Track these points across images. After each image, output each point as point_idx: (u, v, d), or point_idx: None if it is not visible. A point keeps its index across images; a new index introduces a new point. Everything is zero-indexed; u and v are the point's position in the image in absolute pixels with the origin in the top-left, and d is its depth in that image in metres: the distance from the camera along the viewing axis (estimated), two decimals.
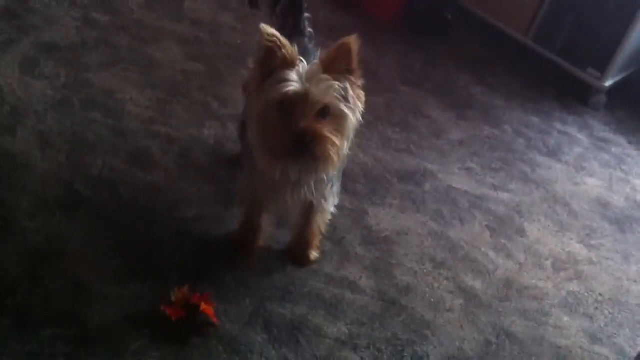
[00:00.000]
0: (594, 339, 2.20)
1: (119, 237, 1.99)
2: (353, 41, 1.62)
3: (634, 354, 2.16)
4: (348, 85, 1.64)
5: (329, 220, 2.09)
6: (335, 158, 1.65)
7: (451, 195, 2.62)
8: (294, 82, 1.58)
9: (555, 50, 3.57)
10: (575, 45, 3.52)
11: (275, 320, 1.91)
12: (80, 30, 2.76)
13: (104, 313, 1.77)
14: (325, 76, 1.61)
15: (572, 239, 2.61)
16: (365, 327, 1.98)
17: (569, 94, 3.60)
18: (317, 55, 1.97)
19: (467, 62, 3.61)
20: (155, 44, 2.85)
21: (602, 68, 3.45)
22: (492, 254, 2.40)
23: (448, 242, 2.39)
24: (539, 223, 2.63)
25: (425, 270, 2.24)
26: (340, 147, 1.66)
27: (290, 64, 1.61)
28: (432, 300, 2.14)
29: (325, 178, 1.83)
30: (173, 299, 1.83)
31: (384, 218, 2.39)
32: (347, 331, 1.94)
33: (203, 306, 1.82)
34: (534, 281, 2.35)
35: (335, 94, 1.61)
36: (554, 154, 3.11)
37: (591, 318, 2.27)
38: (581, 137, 3.31)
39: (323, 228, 2.09)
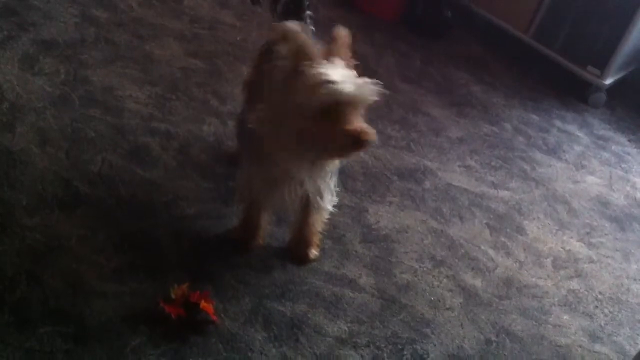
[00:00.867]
0: (594, 337, 2.20)
1: (118, 234, 1.98)
2: (346, 32, 1.66)
3: (633, 353, 2.16)
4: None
5: (328, 218, 2.09)
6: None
7: (451, 193, 2.62)
8: (344, 83, 1.58)
9: (556, 48, 3.57)
10: (575, 43, 3.52)
11: (275, 318, 1.90)
12: (80, 27, 2.75)
13: (102, 310, 1.77)
14: (363, 78, 1.62)
15: (572, 237, 2.60)
16: (365, 325, 1.97)
17: (568, 91, 3.60)
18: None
19: (466, 60, 3.61)
20: (155, 40, 2.84)
21: (602, 66, 3.45)
22: (491, 252, 2.40)
23: (448, 240, 2.39)
24: (539, 221, 2.63)
25: (425, 269, 2.24)
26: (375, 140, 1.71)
27: (315, 61, 1.60)
28: (432, 298, 2.13)
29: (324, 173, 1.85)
30: (172, 296, 1.82)
31: (383, 216, 2.39)
32: (347, 329, 1.94)
33: (203, 304, 1.82)
34: (533, 279, 2.34)
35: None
36: (553, 151, 3.11)
37: (591, 316, 2.27)
38: (581, 135, 3.31)
39: (321, 226, 2.09)
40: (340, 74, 1.60)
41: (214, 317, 1.83)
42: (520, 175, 2.86)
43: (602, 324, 2.26)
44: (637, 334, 2.26)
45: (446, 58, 3.57)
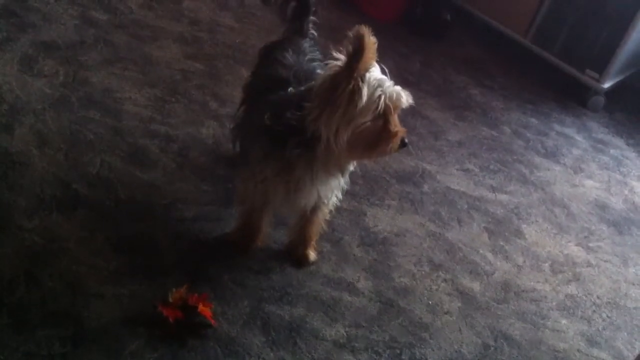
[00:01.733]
0: (592, 342, 2.20)
1: (116, 236, 1.98)
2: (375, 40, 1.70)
3: (631, 357, 2.16)
4: None
5: (326, 220, 2.09)
6: None
7: (449, 196, 2.62)
8: (396, 88, 1.72)
9: (554, 52, 3.57)
10: (574, 47, 3.52)
11: (273, 321, 1.90)
12: (79, 29, 2.75)
13: (101, 313, 1.77)
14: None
15: (570, 241, 2.61)
16: (363, 329, 1.97)
17: (567, 95, 3.61)
18: (317, 56, 2.00)
19: (465, 64, 3.61)
20: (154, 43, 2.84)
21: (601, 70, 3.45)
22: (490, 256, 2.40)
23: (446, 243, 2.39)
24: (537, 225, 2.63)
25: (423, 272, 2.24)
26: None
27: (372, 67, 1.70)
28: (430, 302, 2.14)
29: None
30: (171, 299, 1.82)
31: (382, 219, 2.39)
32: (345, 333, 1.94)
33: (201, 307, 1.82)
34: (532, 283, 2.35)
35: None
36: (552, 155, 3.11)
37: (589, 321, 2.28)
38: (579, 138, 3.31)
39: (322, 226, 2.09)
40: (389, 80, 1.72)
41: (212, 321, 1.83)
42: (518, 178, 2.86)
43: (600, 329, 2.26)
44: (635, 339, 2.26)
45: (445, 61, 3.57)
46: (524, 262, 2.43)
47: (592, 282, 2.44)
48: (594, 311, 2.32)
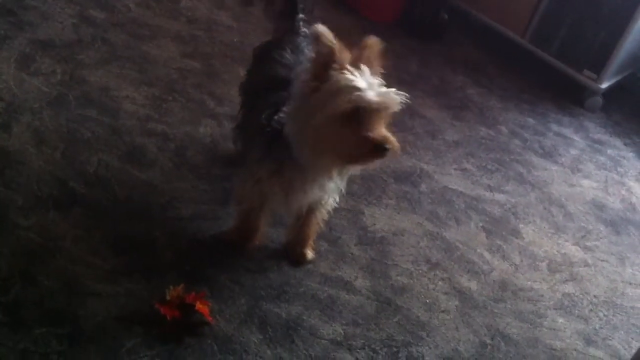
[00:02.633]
0: (589, 341, 2.20)
1: (113, 235, 1.98)
2: (378, 41, 1.66)
3: (628, 357, 2.16)
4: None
5: (324, 220, 2.09)
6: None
7: (447, 196, 2.62)
8: (368, 90, 1.60)
9: (552, 52, 3.58)
10: (571, 47, 3.53)
11: (270, 319, 1.90)
12: (77, 28, 2.75)
13: (97, 312, 1.76)
14: (389, 88, 1.64)
15: (567, 240, 2.61)
16: (360, 327, 1.97)
17: (565, 95, 3.61)
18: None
19: (463, 64, 3.62)
20: (152, 41, 2.84)
21: (598, 70, 3.46)
22: (487, 255, 2.40)
23: (443, 242, 2.39)
24: (535, 224, 2.64)
25: (420, 271, 2.24)
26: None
27: (344, 67, 1.61)
28: (427, 301, 2.14)
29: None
30: (168, 297, 1.82)
31: (379, 218, 2.39)
32: (342, 332, 1.94)
33: (198, 305, 1.82)
34: (529, 283, 2.35)
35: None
36: (549, 155, 3.11)
37: (586, 320, 2.28)
38: (577, 138, 3.31)
39: (320, 226, 2.09)
40: (364, 81, 1.61)
41: (210, 319, 1.83)
42: (516, 178, 2.87)
43: (597, 328, 2.26)
44: (632, 338, 2.27)
45: (443, 61, 3.57)
46: (521, 261, 2.43)
47: (589, 281, 2.44)
48: (591, 310, 2.32)
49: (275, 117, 1.76)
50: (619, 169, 3.18)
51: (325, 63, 1.61)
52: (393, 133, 1.66)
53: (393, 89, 1.65)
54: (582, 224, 2.73)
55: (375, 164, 1.72)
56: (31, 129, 2.22)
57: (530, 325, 2.18)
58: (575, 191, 2.91)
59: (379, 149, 1.62)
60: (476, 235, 2.48)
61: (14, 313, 1.70)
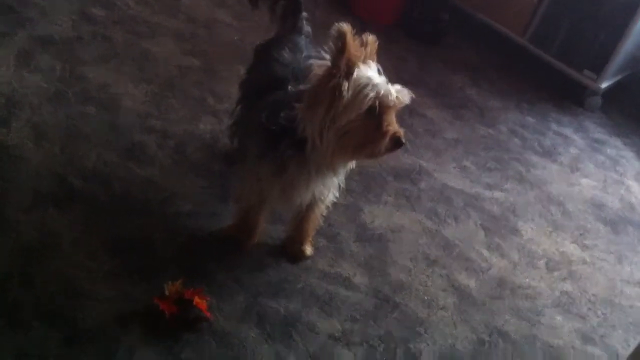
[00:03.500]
0: (587, 339, 2.20)
1: (112, 232, 1.98)
2: (375, 39, 1.71)
3: (626, 355, 2.16)
4: None
5: (323, 216, 2.09)
6: None
7: (446, 193, 2.62)
8: (387, 86, 1.66)
9: (552, 52, 3.58)
10: (571, 47, 3.53)
11: (268, 315, 1.90)
12: (76, 25, 2.75)
13: (96, 310, 1.76)
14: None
15: (566, 239, 2.61)
16: (358, 323, 1.97)
17: (564, 95, 3.61)
18: (313, 53, 1.98)
19: (463, 64, 3.62)
20: (151, 39, 2.84)
21: (598, 70, 3.46)
22: (486, 252, 2.41)
23: (442, 240, 2.39)
24: (533, 223, 2.64)
25: (419, 268, 2.24)
26: None
27: (361, 64, 1.65)
28: (425, 297, 2.14)
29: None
30: (167, 293, 1.82)
31: (378, 215, 2.39)
32: (340, 327, 1.94)
33: (196, 300, 1.82)
34: (527, 280, 2.35)
35: None
36: (549, 154, 3.11)
37: (584, 318, 2.28)
38: (576, 138, 3.32)
39: (320, 220, 2.10)
40: (381, 79, 1.66)
41: (208, 314, 1.83)
42: (515, 177, 2.87)
43: (595, 326, 2.26)
44: (630, 336, 2.27)
45: (443, 61, 3.57)
46: (520, 259, 2.43)
47: (587, 279, 2.45)
48: (589, 308, 2.32)
49: (282, 114, 1.76)
50: (618, 168, 3.18)
51: (348, 59, 1.62)
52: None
53: (399, 85, 1.70)
54: (581, 223, 2.73)
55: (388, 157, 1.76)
56: (30, 124, 2.22)
57: (528, 322, 2.18)
58: (574, 190, 2.92)
59: (397, 142, 1.70)
60: (475, 233, 2.48)
61: (12, 314, 1.69)
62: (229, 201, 2.18)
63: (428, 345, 1.99)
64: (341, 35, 1.61)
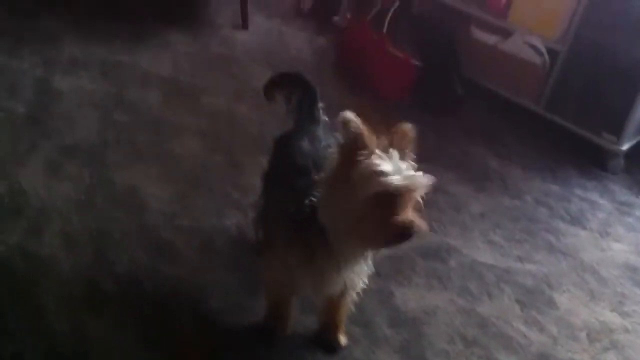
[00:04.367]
0: None
1: (144, 333, 1.98)
2: (411, 128, 1.71)
3: None
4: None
5: (355, 300, 2.07)
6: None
7: (477, 270, 2.60)
8: (395, 175, 1.62)
9: (568, 117, 3.59)
10: (587, 111, 3.54)
11: None
12: (101, 131, 2.83)
13: None
14: (415, 171, 1.67)
15: (604, 307, 2.55)
16: None
17: (586, 159, 3.60)
18: (331, 142, 2.01)
19: (480, 135, 3.64)
20: (175, 139, 2.91)
21: (617, 131, 3.46)
22: (523, 328, 2.36)
23: (478, 318, 2.35)
24: (569, 293, 2.59)
25: (457, 350, 2.20)
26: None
27: (372, 152, 1.64)
28: None
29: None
30: None
31: (410, 298, 2.37)
32: None
33: None
34: (569, 354, 2.29)
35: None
36: (577, 221, 3.08)
37: None
38: (603, 202, 3.29)
39: (351, 307, 2.08)
40: (391, 166, 1.63)
41: None
42: (545, 247, 2.84)
43: None
44: None
45: (460, 134, 3.60)
46: (559, 332, 2.38)
47: (630, 348, 2.38)
48: None
49: (306, 201, 1.78)
50: None
51: (353, 149, 1.64)
52: (421, 215, 1.67)
53: (420, 173, 1.68)
54: (618, 289, 2.67)
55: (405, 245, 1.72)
56: (61, 233, 2.26)
57: None
58: (606, 255, 2.87)
59: (405, 233, 1.64)
60: (510, 309, 2.44)
61: None
62: (258, 294, 2.18)
63: None
64: (345, 124, 1.63)
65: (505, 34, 3.84)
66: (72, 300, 2.03)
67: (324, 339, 2.08)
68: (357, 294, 2.05)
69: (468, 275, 2.55)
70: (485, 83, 3.85)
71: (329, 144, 2.02)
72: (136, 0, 4.03)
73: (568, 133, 3.61)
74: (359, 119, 1.64)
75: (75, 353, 1.87)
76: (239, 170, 2.81)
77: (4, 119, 2.74)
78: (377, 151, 1.66)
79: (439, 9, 4.05)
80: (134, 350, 1.92)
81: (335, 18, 4.41)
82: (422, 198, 1.70)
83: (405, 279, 2.45)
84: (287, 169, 2.00)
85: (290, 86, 2.23)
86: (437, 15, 4.09)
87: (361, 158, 1.64)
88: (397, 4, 3.73)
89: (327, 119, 2.18)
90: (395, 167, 1.64)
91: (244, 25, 4.15)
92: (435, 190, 2.96)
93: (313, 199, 1.78)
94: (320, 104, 2.17)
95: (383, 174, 1.62)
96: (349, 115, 1.64)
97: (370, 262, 1.92)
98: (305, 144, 2.01)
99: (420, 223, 1.66)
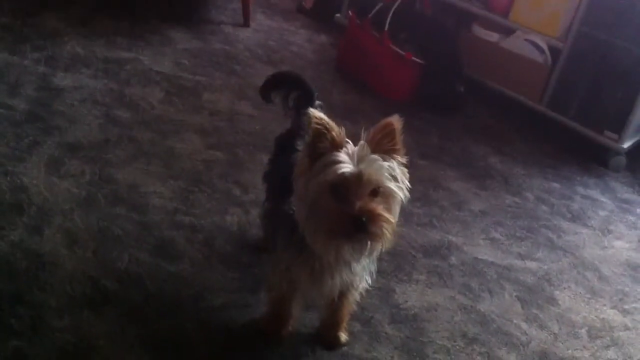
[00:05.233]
0: None
1: (146, 331, 1.98)
2: (396, 121, 1.67)
3: None
4: (395, 164, 1.67)
5: (358, 300, 2.08)
6: (388, 236, 1.68)
7: (478, 267, 2.60)
8: (346, 163, 1.61)
9: (571, 116, 3.60)
10: (589, 109, 3.55)
11: None
12: (103, 128, 2.84)
13: None
14: (375, 156, 1.64)
15: (605, 304, 2.56)
16: None
17: (588, 157, 3.61)
18: None
19: (482, 133, 3.65)
20: (176, 136, 2.92)
21: (619, 130, 3.46)
22: (524, 325, 2.36)
23: (478, 315, 2.36)
24: (570, 290, 2.59)
25: (457, 347, 2.20)
26: (393, 224, 1.68)
27: (339, 146, 1.64)
28: None
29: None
30: None
31: (411, 295, 2.37)
32: None
33: None
34: (570, 351, 2.29)
35: (386, 174, 1.64)
36: (578, 218, 3.09)
37: None
38: (604, 199, 3.29)
39: (353, 307, 2.08)
40: (351, 157, 1.62)
41: None
42: (546, 244, 2.84)
43: None
44: None
45: (462, 132, 3.61)
46: (560, 329, 2.38)
47: (631, 345, 2.38)
48: None
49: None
50: None
51: (316, 144, 1.64)
52: (386, 206, 1.64)
53: (378, 161, 1.63)
54: (619, 287, 2.67)
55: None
56: (62, 230, 2.26)
57: None
58: (608, 253, 2.87)
59: (357, 223, 1.60)
60: (511, 306, 2.44)
61: None
62: (260, 292, 2.19)
63: None
64: (308, 120, 1.64)
65: (507, 32, 3.84)
66: (73, 297, 2.03)
67: (325, 336, 2.09)
68: (360, 293, 2.04)
69: (469, 273, 2.56)
70: (487, 81, 3.86)
71: None
72: None
73: (570, 131, 3.61)
74: (325, 115, 1.64)
75: (76, 350, 1.87)
76: (239, 167, 2.81)
77: (6, 116, 2.75)
78: (344, 145, 1.64)
79: (440, 7, 4.06)
80: (135, 348, 1.92)
81: (337, 16, 4.41)
82: (380, 188, 1.64)
83: (405, 276, 2.45)
84: (287, 169, 2.00)
85: (285, 86, 2.23)
86: (438, 13, 4.09)
87: (322, 152, 1.64)
88: (398, 1, 3.73)
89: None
90: (355, 157, 1.62)
91: (246, 22, 4.16)
92: (436, 187, 3.02)
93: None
94: (318, 102, 2.16)
95: (335, 163, 1.61)
96: (313, 111, 1.64)
97: (372, 262, 1.91)
98: (302, 144, 2.01)
99: (376, 212, 1.61)
